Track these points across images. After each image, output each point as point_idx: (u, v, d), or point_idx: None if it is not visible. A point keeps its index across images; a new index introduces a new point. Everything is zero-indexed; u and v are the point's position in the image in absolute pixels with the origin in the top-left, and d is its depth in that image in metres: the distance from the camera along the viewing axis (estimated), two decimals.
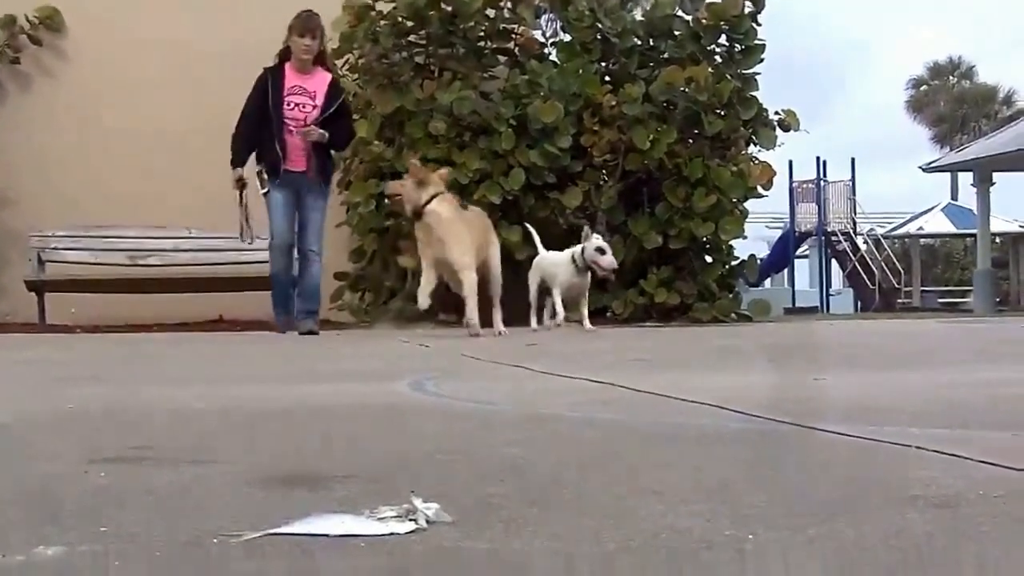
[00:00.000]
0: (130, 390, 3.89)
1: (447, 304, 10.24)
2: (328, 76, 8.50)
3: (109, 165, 11.08)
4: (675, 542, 1.36)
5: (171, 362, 5.77)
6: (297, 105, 8.26)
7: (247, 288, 10.33)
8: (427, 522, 1.41)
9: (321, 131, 8.22)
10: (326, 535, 1.36)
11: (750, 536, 1.36)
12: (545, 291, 8.84)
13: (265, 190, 8.21)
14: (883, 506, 1.56)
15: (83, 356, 6.27)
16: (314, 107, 8.28)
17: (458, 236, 7.49)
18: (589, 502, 1.64)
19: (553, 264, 8.81)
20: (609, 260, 8.64)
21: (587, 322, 8.72)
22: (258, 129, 8.26)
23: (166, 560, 1.28)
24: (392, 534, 1.37)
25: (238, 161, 8.33)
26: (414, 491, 1.50)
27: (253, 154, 8.36)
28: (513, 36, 11.10)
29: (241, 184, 8.33)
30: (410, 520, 1.42)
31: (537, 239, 9.18)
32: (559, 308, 8.60)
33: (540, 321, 8.81)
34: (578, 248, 8.69)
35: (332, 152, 8.72)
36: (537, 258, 9.01)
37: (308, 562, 1.27)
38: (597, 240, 8.71)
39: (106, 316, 10.39)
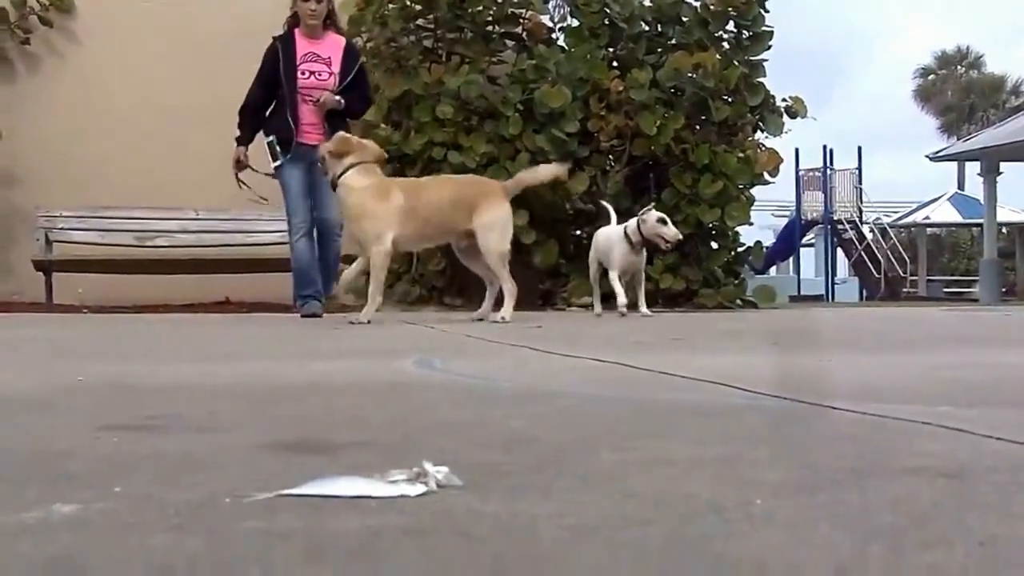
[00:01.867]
0: (138, 366, 3.91)
1: (453, 287, 10.28)
2: (341, 40, 8.04)
3: (117, 146, 11.08)
4: (681, 506, 1.37)
5: (178, 341, 5.78)
6: (313, 73, 7.81)
7: (254, 270, 10.38)
8: (437, 485, 1.43)
9: (337, 98, 7.76)
10: (338, 496, 1.38)
11: (757, 501, 1.38)
12: (605, 272, 8.28)
13: (277, 163, 7.78)
14: (890, 476, 1.58)
15: (91, 334, 6.29)
16: (331, 74, 7.83)
17: (366, 209, 7.00)
18: (594, 470, 1.65)
19: (607, 239, 8.26)
20: (674, 231, 8.10)
21: (644, 306, 8.14)
22: (268, 102, 7.91)
23: (179, 518, 1.30)
24: (403, 496, 1.39)
25: (243, 140, 7.98)
26: (423, 457, 1.51)
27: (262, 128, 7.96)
28: (521, 20, 11.09)
29: (240, 166, 7.96)
30: (420, 483, 1.43)
31: (612, 212, 8.63)
32: (620, 293, 8.00)
33: (600, 305, 8.39)
34: (632, 222, 8.12)
35: (348, 120, 8.12)
36: (596, 233, 8.48)
37: (321, 521, 1.28)
38: (656, 212, 8.16)
39: (113, 296, 10.42)
